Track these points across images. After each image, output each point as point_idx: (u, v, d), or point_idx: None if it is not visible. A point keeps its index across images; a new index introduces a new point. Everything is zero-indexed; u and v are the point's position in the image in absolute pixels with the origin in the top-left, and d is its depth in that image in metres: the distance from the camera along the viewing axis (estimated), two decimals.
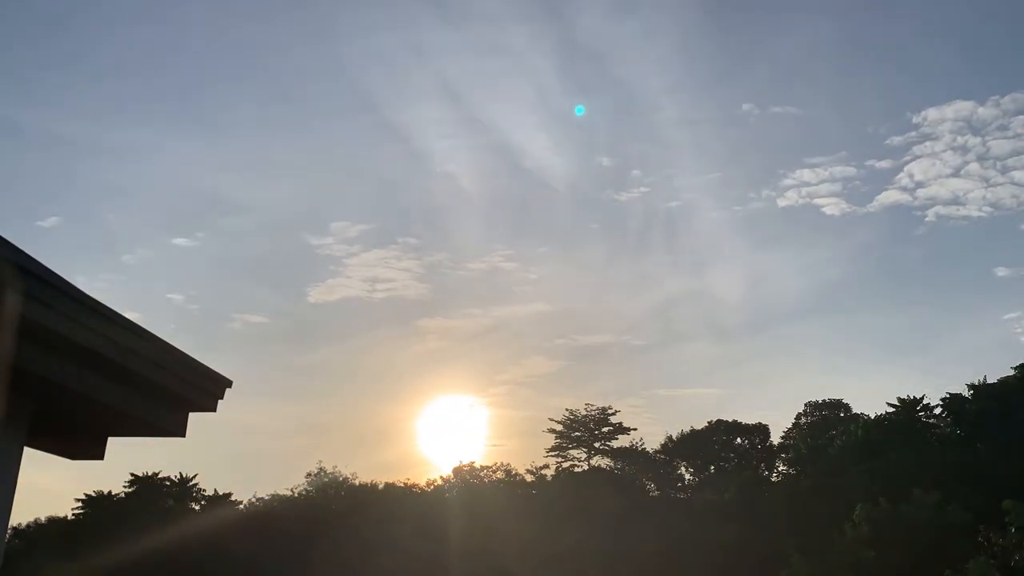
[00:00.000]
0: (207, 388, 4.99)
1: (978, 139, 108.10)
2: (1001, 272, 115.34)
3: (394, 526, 67.52)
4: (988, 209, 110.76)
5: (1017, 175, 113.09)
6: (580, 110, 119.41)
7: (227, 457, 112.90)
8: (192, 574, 64.63)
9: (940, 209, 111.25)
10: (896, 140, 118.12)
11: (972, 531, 48.31)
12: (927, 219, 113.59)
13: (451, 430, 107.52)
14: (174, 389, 4.72)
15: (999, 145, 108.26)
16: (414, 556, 64.29)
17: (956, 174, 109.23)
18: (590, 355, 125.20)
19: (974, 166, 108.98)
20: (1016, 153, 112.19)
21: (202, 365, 4.86)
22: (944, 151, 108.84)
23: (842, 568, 49.44)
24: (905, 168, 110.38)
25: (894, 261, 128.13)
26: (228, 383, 5.08)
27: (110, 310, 4.12)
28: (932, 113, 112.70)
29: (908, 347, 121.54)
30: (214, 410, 5.10)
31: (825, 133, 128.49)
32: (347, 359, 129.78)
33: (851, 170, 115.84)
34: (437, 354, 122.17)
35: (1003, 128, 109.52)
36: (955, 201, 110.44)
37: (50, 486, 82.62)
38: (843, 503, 55.80)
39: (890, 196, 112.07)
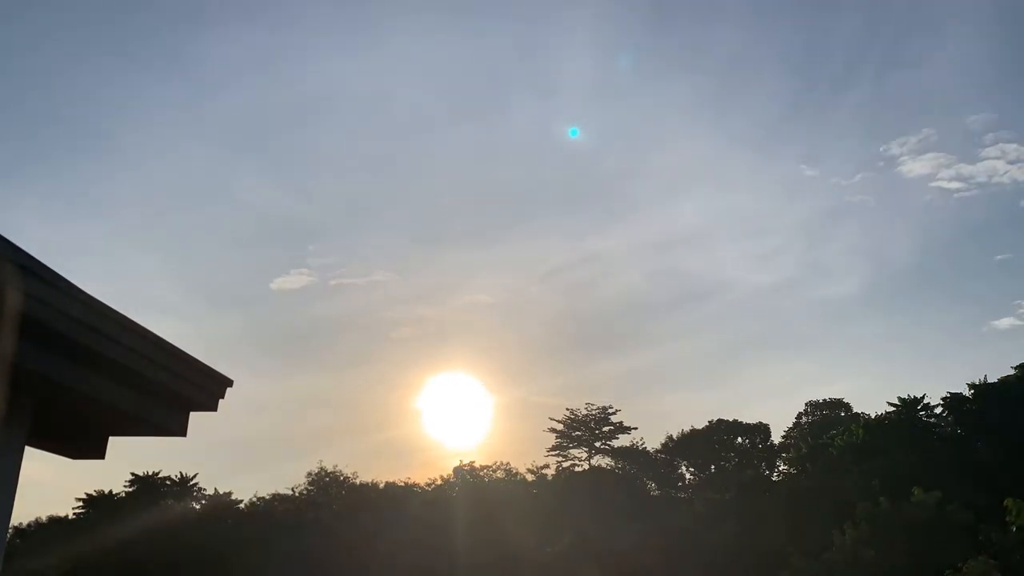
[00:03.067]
0: (208, 387, 4.98)
1: None
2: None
3: (395, 525, 67.57)
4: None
5: None
6: (574, 132, 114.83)
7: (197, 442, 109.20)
8: (192, 573, 64.65)
9: (938, 188, 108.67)
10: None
11: (972, 530, 48.24)
12: (925, 200, 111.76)
13: (440, 420, 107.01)
14: (175, 389, 4.72)
15: None
16: (415, 555, 64.33)
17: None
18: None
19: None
20: None
21: (203, 364, 4.85)
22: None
23: (842, 568, 49.36)
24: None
25: (894, 250, 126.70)
26: (229, 382, 5.07)
27: (111, 309, 4.11)
28: None
29: (909, 344, 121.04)
30: (215, 409, 5.09)
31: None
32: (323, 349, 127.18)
33: None
34: (415, 342, 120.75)
35: None
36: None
37: (51, 485, 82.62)
38: (843, 503, 55.74)
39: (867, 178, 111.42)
